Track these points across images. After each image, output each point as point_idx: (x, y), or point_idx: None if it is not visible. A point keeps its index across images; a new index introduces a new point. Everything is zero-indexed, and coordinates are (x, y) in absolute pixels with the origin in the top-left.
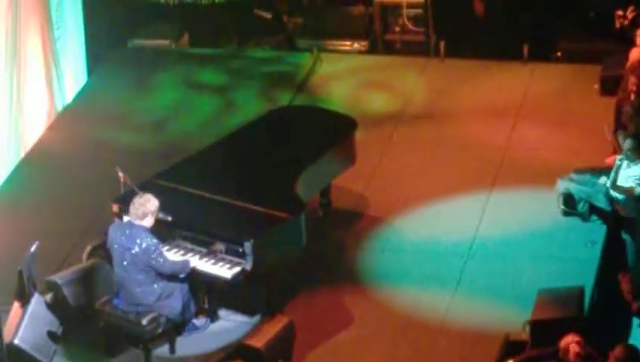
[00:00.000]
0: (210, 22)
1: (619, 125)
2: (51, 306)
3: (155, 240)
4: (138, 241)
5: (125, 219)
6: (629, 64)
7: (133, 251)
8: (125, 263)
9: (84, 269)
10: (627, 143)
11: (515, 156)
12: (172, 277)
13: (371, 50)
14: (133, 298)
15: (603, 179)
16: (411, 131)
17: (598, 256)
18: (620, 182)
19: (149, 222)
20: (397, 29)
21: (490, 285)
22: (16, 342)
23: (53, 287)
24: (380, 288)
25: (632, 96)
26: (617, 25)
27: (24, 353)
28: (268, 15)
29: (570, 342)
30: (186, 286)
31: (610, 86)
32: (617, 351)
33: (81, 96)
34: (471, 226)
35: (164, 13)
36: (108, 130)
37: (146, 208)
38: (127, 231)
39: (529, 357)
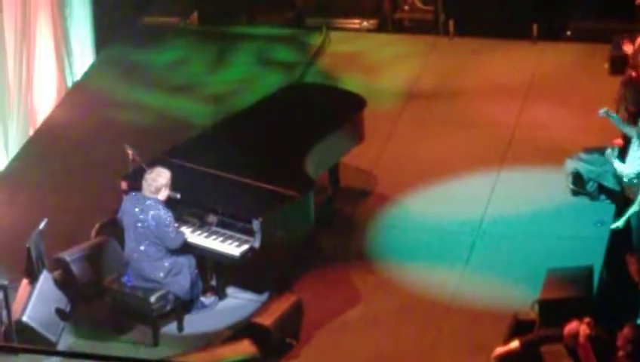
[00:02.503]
0: (219, 0)
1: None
2: (59, 283)
3: (169, 213)
4: (152, 213)
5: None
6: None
7: (146, 223)
8: (137, 235)
9: (93, 246)
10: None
11: (524, 135)
12: (181, 253)
13: (380, 28)
14: (143, 272)
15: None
16: (420, 110)
17: (607, 236)
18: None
19: (163, 195)
20: (406, 7)
21: (498, 264)
22: (24, 319)
23: (61, 264)
24: (388, 266)
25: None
26: (638, 2)
27: (32, 330)
28: None
29: (576, 329)
30: (194, 264)
31: (619, 65)
32: (626, 331)
33: (90, 73)
34: (480, 205)
35: None
36: (117, 107)
37: (158, 182)
38: (142, 204)
39: (535, 338)
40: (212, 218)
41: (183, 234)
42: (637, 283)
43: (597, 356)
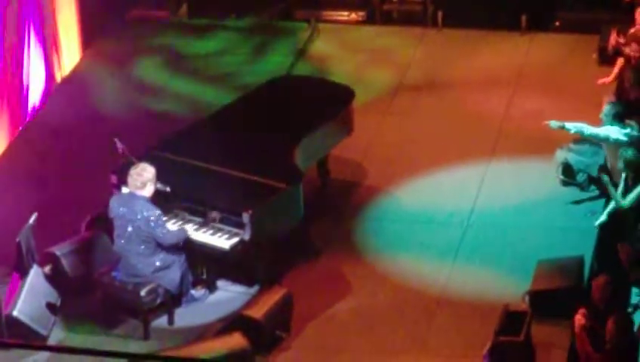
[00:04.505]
0: None
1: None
2: (50, 278)
3: (157, 211)
4: (140, 212)
5: (124, 190)
6: (632, 31)
7: (135, 222)
8: (127, 234)
9: (83, 241)
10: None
11: (513, 126)
12: (171, 249)
13: (369, 20)
14: (132, 269)
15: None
16: (409, 101)
17: (597, 226)
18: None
19: (149, 190)
20: None
21: (489, 255)
22: (14, 313)
23: (51, 259)
24: (378, 258)
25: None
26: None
27: (23, 325)
28: None
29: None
30: (183, 257)
31: (608, 55)
32: (609, 325)
33: (78, 67)
34: (470, 196)
35: None
36: (106, 102)
37: (143, 177)
38: (129, 203)
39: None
40: (215, 214)
41: (183, 231)
42: (627, 272)
43: (592, 345)
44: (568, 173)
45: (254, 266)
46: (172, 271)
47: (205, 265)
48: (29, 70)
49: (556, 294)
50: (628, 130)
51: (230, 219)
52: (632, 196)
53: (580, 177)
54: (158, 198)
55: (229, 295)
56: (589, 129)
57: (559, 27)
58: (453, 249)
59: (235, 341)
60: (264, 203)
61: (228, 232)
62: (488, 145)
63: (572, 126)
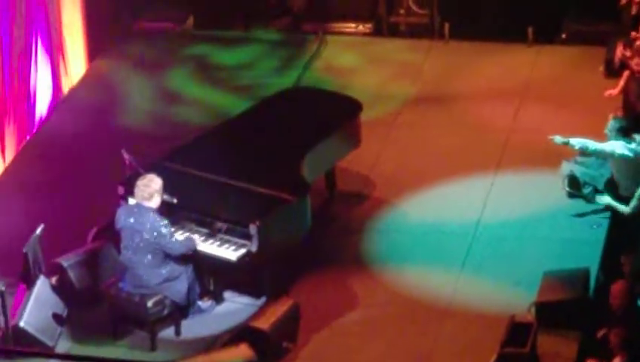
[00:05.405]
0: (215, 5)
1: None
2: (56, 289)
3: (164, 221)
4: (148, 223)
5: (131, 201)
6: (638, 44)
7: (143, 233)
8: (134, 245)
9: (90, 251)
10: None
11: (519, 138)
12: (179, 260)
13: (376, 32)
14: (139, 280)
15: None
16: (416, 113)
17: (603, 238)
18: None
19: (156, 202)
20: (401, 11)
21: (495, 267)
22: (21, 324)
23: (58, 270)
24: (385, 270)
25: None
26: (634, 11)
27: (29, 335)
28: None
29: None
30: (191, 269)
31: (614, 68)
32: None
33: (85, 78)
34: (476, 208)
35: None
36: (113, 113)
37: (150, 188)
38: (137, 214)
39: None
40: (220, 225)
41: (191, 240)
42: (632, 284)
43: None
44: (574, 185)
45: (261, 277)
46: (179, 283)
47: (212, 277)
48: (36, 80)
49: (562, 306)
50: (633, 145)
51: (237, 231)
52: (634, 202)
53: (586, 189)
54: (164, 209)
55: (235, 306)
56: (593, 144)
57: (566, 39)
58: (460, 261)
59: (242, 352)
60: (271, 214)
61: (235, 244)
62: (495, 157)
63: (577, 142)
